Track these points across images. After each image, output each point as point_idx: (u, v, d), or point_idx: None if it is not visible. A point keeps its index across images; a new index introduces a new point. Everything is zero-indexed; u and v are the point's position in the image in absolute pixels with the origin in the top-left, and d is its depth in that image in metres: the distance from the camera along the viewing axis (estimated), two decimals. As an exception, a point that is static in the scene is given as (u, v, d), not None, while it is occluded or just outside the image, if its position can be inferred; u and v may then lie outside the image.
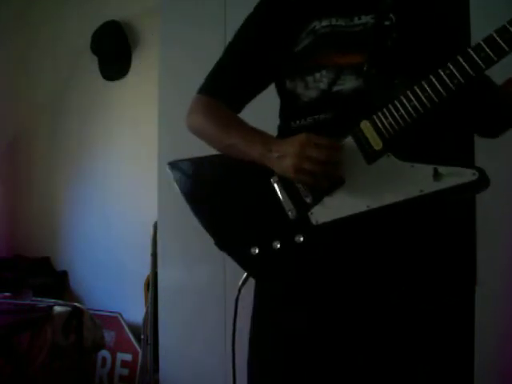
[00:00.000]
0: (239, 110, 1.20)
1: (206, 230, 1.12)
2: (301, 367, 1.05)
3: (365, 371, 1.04)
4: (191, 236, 2.14)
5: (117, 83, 3.20)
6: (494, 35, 0.87)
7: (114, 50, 3.14)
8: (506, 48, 0.86)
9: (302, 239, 1.01)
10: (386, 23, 1.05)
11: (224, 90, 1.18)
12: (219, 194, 1.14)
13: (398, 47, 1.04)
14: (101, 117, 3.27)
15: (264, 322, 1.12)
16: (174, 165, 1.19)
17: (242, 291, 1.12)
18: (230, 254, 1.09)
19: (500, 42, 0.86)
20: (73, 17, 3.33)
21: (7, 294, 2.73)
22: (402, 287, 1.02)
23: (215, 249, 1.15)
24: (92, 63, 3.23)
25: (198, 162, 1.18)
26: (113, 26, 3.11)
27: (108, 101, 3.24)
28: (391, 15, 1.05)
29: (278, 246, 1.03)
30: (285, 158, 1.00)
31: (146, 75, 2.92)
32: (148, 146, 2.71)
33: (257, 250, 1.05)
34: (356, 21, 1.06)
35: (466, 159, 0.96)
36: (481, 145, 1.65)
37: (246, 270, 1.08)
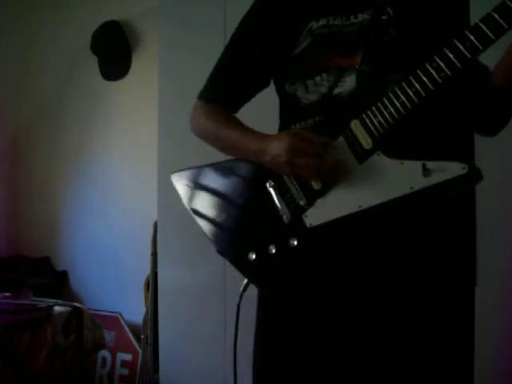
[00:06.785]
0: (236, 110, 1.22)
1: (208, 239, 1.14)
2: (302, 369, 1.05)
3: (365, 372, 1.03)
4: (191, 236, 2.14)
5: (117, 83, 3.20)
6: (480, 24, 0.85)
7: (113, 50, 3.14)
8: (491, 36, 0.84)
9: (295, 243, 1.01)
10: (383, 18, 1.03)
11: (221, 96, 1.21)
12: (219, 202, 1.15)
13: (395, 43, 1.02)
14: (101, 117, 3.27)
15: (265, 325, 1.13)
16: (177, 176, 1.23)
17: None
18: (230, 260, 1.11)
19: (485, 29, 0.84)
20: (73, 17, 3.33)
21: (7, 294, 2.73)
22: (400, 288, 1.01)
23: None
24: (92, 63, 3.23)
25: (198, 172, 1.20)
26: (113, 26, 3.11)
27: (108, 101, 3.24)
28: (388, 9, 1.03)
29: (274, 250, 1.03)
30: (278, 157, 1.01)
31: (146, 75, 2.92)
32: (148, 146, 2.71)
33: (254, 256, 1.05)
34: (352, 19, 1.04)
35: (459, 154, 0.95)
36: (481, 145, 1.65)
37: (245, 275, 1.09)
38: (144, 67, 3.04)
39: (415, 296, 1.01)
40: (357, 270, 1.02)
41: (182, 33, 2.26)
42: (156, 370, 2.44)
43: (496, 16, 0.83)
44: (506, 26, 0.83)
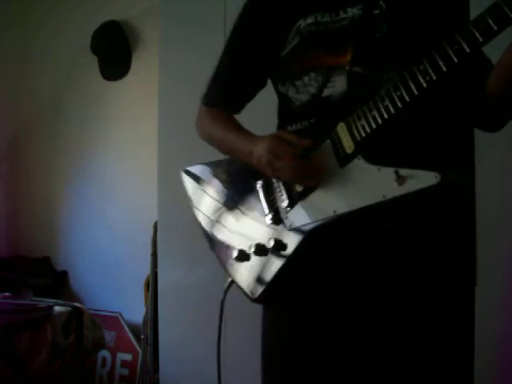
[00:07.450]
0: (240, 111, 1.23)
1: (203, 235, 1.17)
2: (291, 373, 1.06)
3: (365, 374, 1.03)
4: (191, 236, 2.14)
5: (117, 83, 3.20)
6: (470, 26, 0.81)
7: (114, 50, 3.14)
8: (480, 39, 0.80)
9: (272, 244, 1.01)
10: (376, 12, 0.99)
11: (221, 100, 1.21)
12: (217, 200, 1.17)
13: (388, 38, 0.98)
14: (101, 117, 3.27)
15: (263, 325, 1.15)
16: (186, 172, 1.26)
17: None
18: (218, 257, 1.13)
19: (475, 32, 0.80)
20: (73, 17, 3.33)
21: (7, 293, 2.73)
22: (400, 288, 1.01)
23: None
24: (92, 63, 3.23)
25: (205, 168, 1.23)
26: (113, 26, 3.11)
27: (108, 101, 3.24)
28: (381, 2, 0.99)
29: (253, 249, 1.03)
30: (261, 158, 1.01)
31: (146, 75, 2.91)
32: (148, 146, 2.71)
33: (235, 254, 1.05)
34: (342, 15, 1.01)
35: (450, 157, 0.94)
36: (481, 145, 1.65)
37: (227, 273, 1.11)
38: (144, 67, 3.04)
39: (415, 296, 1.01)
40: (348, 272, 1.01)
41: (182, 32, 2.26)
42: (156, 370, 2.44)
43: (487, 18, 0.79)
44: (495, 28, 0.79)
